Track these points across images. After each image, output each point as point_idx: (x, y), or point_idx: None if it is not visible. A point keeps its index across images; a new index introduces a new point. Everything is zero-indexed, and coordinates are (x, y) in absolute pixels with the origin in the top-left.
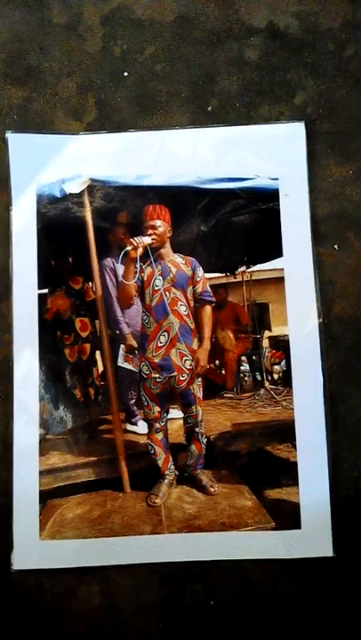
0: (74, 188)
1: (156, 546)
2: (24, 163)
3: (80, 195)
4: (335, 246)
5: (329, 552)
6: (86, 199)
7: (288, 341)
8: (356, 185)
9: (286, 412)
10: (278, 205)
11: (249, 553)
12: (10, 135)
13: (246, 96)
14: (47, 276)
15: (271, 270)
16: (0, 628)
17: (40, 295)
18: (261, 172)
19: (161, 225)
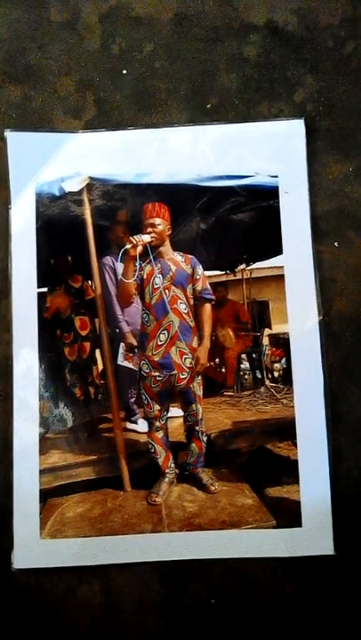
0: (73, 186)
1: (156, 544)
2: (23, 161)
3: (79, 193)
4: (335, 244)
5: (330, 550)
6: (85, 197)
7: (288, 339)
8: (356, 182)
9: (287, 410)
10: (278, 203)
11: (250, 551)
12: (9, 133)
13: (246, 93)
14: (46, 274)
15: (271, 268)
16: (0, 628)
17: (39, 294)
18: (261, 170)
19: (160, 223)
